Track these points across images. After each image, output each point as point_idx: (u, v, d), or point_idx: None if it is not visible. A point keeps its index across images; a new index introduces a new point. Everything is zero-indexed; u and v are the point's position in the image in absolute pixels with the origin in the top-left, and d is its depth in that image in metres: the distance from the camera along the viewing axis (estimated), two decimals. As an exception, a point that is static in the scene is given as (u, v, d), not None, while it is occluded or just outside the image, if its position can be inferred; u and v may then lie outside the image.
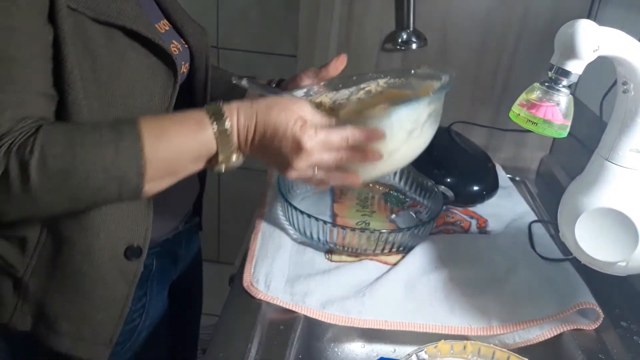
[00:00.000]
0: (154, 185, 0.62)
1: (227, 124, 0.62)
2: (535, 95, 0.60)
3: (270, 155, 0.66)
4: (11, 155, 0.55)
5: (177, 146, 0.61)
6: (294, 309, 0.75)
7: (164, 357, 0.96)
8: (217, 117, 0.62)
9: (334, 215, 0.98)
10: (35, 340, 0.73)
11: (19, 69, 0.58)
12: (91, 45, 0.64)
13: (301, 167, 0.65)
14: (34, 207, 0.58)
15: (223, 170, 0.65)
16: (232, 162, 0.65)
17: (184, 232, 0.94)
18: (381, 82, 0.84)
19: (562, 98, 0.59)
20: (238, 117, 0.64)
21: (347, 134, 0.65)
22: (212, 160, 0.64)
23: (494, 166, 1.11)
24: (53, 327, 0.72)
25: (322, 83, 0.84)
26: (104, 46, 0.65)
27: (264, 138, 0.64)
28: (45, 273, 0.70)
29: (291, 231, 0.91)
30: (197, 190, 0.95)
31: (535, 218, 1.00)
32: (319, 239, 0.86)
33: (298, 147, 0.63)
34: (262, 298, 0.76)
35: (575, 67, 0.58)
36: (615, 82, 0.64)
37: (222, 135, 0.62)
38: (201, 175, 0.95)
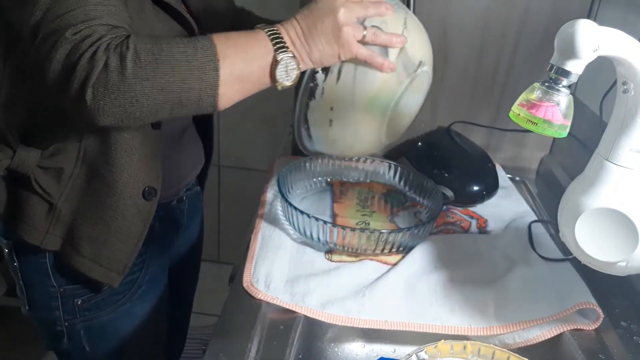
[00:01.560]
0: (227, 89, 0.69)
1: (275, 26, 0.74)
2: (535, 95, 0.60)
3: (320, 29, 0.74)
4: (111, 51, 0.64)
5: (242, 49, 0.70)
6: (294, 309, 0.75)
7: (162, 329, 1.04)
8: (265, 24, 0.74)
9: (334, 215, 0.98)
10: (61, 260, 0.84)
11: None
12: (126, 10, 0.73)
13: (342, 7, 0.73)
14: (128, 98, 0.65)
15: (287, 82, 0.73)
16: (289, 65, 0.72)
17: (185, 200, 1.04)
18: None
19: (562, 98, 0.59)
20: (282, 22, 0.75)
21: None
22: (273, 66, 0.72)
23: (494, 166, 1.11)
24: (77, 249, 0.83)
25: None
26: (136, 14, 0.75)
27: (306, 18, 0.74)
28: (76, 201, 0.82)
29: (291, 231, 0.91)
30: (202, 162, 1.05)
31: (535, 218, 1.00)
32: (319, 239, 0.86)
33: None
34: (262, 298, 0.76)
35: (575, 67, 0.58)
36: (615, 82, 0.64)
37: (273, 34, 0.72)
38: (207, 150, 1.05)
